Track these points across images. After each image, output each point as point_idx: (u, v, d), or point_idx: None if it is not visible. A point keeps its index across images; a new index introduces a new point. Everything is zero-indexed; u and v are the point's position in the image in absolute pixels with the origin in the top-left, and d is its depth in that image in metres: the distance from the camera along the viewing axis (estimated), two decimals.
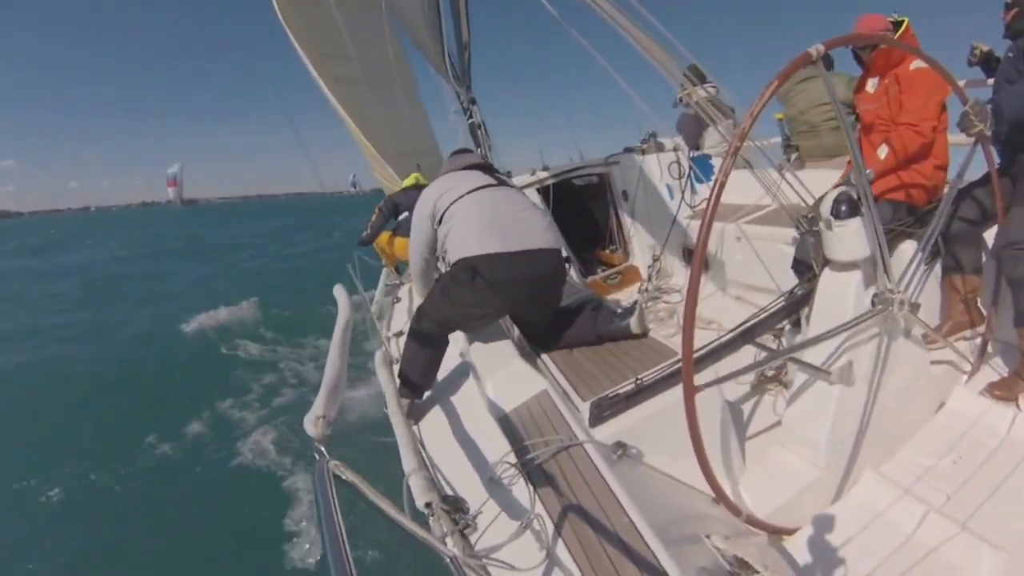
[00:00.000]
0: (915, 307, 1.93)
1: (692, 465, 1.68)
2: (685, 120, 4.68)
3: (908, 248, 2.22)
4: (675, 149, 4.60)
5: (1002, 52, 2.33)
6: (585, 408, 2.00)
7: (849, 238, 1.88)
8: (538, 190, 4.65)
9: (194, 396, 6.40)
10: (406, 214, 4.51)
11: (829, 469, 1.91)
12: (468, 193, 2.37)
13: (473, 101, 6.16)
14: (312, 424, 1.50)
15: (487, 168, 2.66)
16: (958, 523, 1.65)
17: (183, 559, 3.80)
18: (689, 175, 4.29)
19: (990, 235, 2.33)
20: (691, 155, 4.51)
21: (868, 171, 2.45)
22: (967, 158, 2.19)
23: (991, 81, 2.49)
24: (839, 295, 1.96)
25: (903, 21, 2.45)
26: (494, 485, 1.58)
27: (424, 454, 1.93)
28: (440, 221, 2.37)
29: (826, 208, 1.92)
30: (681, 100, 3.09)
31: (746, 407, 2.40)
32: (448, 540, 1.32)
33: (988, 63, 2.56)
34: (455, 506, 1.51)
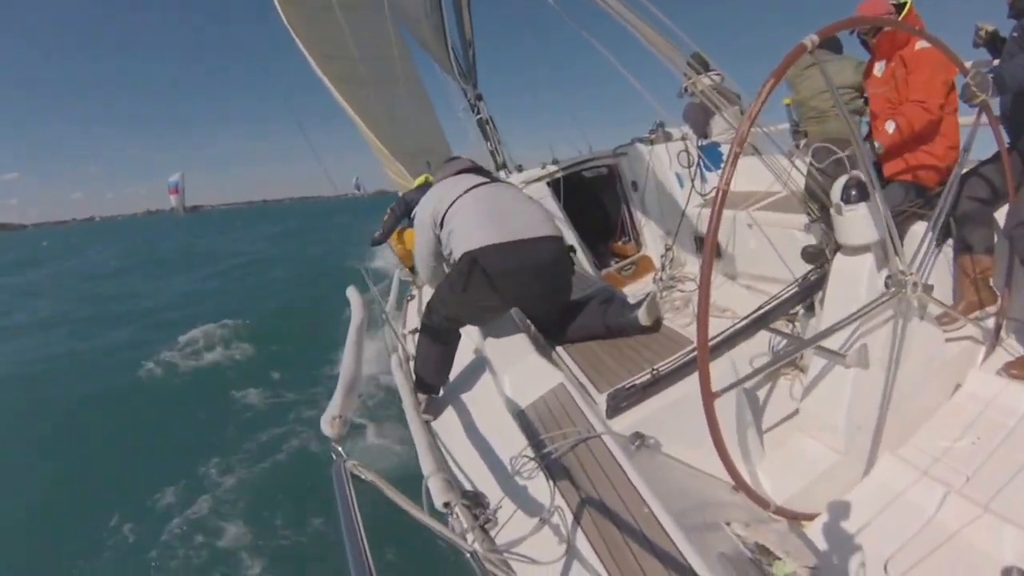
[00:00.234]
0: (928, 288, 1.92)
1: (709, 453, 1.69)
2: (692, 109, 4.67)
3: (920, 230, 2.20)
4: (683, 138, 4.59)
5: (1007, 32, 2.30)
6: (602, 400, 2.00)
7: (860, 222, 1.87)
8: (548, 183, 4.65)
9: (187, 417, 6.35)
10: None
11: (848, 454, 1.91)
12: (465, 192, 2.41)
13: (480, 97, 6.19)
14: (328, 424, 1.49)
15: (478, 169, 2.71)
16: (979, 504, 1.65)
17: (200, 559, 3.89)
18: (698, 163, 4.29)
19: (1000, 215, 2.30)
20: (699, 143, 4.51)
21: (877, 144, 2.43)
22: (972, 130, 2.17)
23: (997, 62, 2.46)
24: (852, 279, 1.95)
25: (906, 3, 2.43)
26: (513, 480, 1.60)
27: (443, 450, 1.95)
28: (442, 225, 2.41)
29: (836, 193, 1.91)
30: (686, 89, 3.08)
31: (762, 392, 2.40)
32: (469, 535, 1.34)
33: (994, 43, 2.52)
34: (475, 501, 1.52)
